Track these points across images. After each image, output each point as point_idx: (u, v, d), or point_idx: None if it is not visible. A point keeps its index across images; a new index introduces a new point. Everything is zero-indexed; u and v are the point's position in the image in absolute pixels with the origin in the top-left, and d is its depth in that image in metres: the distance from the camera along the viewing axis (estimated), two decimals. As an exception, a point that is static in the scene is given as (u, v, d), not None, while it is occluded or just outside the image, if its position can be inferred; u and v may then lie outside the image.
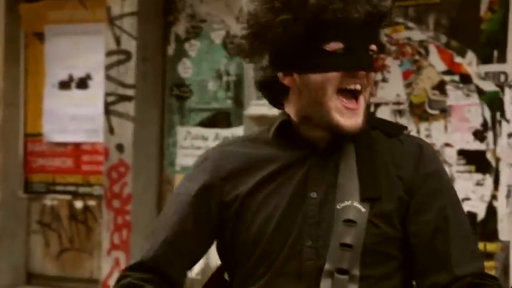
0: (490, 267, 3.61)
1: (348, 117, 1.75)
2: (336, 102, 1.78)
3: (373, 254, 1.71)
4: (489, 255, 3.67)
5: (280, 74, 1.67)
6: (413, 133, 3.77)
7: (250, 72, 3.96)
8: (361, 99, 1.73)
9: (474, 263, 1.68)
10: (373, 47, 1.55)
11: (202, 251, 2.09)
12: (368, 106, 1.76)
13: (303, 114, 1.74)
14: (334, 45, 1.65)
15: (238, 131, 4.32)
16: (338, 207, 1.75)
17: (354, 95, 1.69)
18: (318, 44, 1.67)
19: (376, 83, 3.64)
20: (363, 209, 1.62)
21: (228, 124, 4.41)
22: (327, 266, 1.64)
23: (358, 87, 1.66)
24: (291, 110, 1.72)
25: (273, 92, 1.80)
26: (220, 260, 1.79)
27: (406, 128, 1.97)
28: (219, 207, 1.92)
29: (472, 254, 1.70)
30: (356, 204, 1.71)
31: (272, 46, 1.67)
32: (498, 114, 3.96)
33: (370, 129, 1.79)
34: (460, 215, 1.86)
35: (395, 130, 1.85)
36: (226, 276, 1.95)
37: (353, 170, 1.68)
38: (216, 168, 1.93)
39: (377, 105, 4.01)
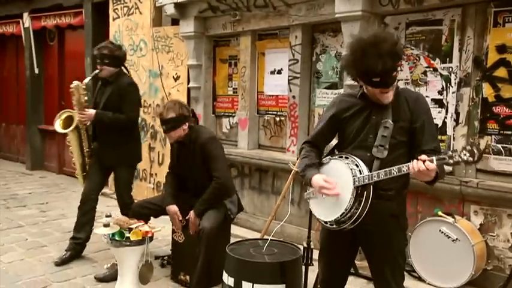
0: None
1: (384, 99, 2.35)
2: (380, 95, 2.33)
3: (395, 140, 2.35)
4: (442, 141, 3.99)
5: (359, 81, 2.41)
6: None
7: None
8: (390, 92, 2.32)
9: (433, 144, 2.32)
10: (395, 74, 2.26)
11: (332, 138, 2.62)
12: (396, 88, 2.39)
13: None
14: (376, 79, 2.26)
15: (340, 91, 4.66)
16: (382, 121, 2.36)
17: (387, 91, 2.31)
18: (370, 77, 2.27)
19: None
20: (391, 123, 2.34)
21: (336, 88, 4.80)
22: (375, 143, 2.34)
23: (387, 91, 2.30)
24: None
25: (358, 83, 2.49)
26: (338, 141, 2.59)
27: (406, 89, 2.61)
28: (339, 121, 2.50)
29: (433, 141, 2.33)
30: (389, 120, 2.35)
31: (356, 73, 2.37)
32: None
33: (399, 95, 2.40)
34: (431, 124, 2.39)
35: (408, 93, 2.44)
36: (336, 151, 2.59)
37: (390, 109, 2.36)
38: (337, 106, 2.51)
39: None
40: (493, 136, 3.89)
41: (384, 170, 2.24)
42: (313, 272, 3.72)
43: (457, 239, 3.72)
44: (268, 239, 3.28)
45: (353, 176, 2.30)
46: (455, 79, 4.01)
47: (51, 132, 8.54)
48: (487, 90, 3.88)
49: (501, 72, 3.80)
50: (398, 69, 2.29)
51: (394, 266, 2.46)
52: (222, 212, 3.81)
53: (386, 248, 2.43)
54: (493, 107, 3.87)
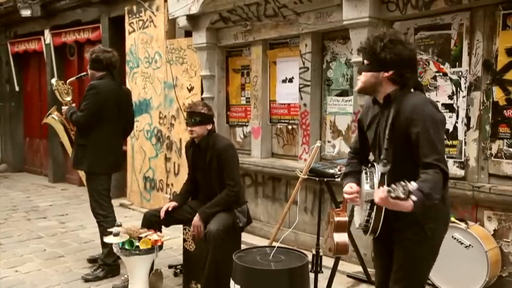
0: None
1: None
2: None
3: (397, 152, 2.28)
4: (454, 146, 4.00)
5: None
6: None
7: (355, 73, 4.47)
8: (359, 81, 2.38)
9: (433, 156, 2.16)
10: (366, 61, 2.32)
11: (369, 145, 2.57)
12: (405, 87, 2.31)
13: None
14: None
15: (350, 98, 4.76)
16: (385, 133, 2.29)
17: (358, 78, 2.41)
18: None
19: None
20: (390, 134, 2.26)
21: (347, 95, 4.83)
22: (382, 157, 2.29)
23: (358, 78, 2.41)
24: None
25: None
26: None
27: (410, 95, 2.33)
28: (362, 129, 2.54)
29: (432, 153, 2.17)
30: (388, 131, 2.27)
31: None
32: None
33: (403, 101, 2.29)
34: (430, 134, 2.19)
35: (408, 99, 2.29)
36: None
37: (390, 118, 2.29)
38: (361, 114, 2.60)
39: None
40: (505, 140, 3.84)
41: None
42: (325, 279, 3.81)
43: (470, 245, 3.68)
44: (275, 247, 3.32)
45: (365, 190, 2.32)
46: (465, 83, 4.00)
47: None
48: (498, 94, 3.85)
49: (511, 75, 3.78)
50: (369, 67, 2.32)
51: (408, 274, 2.40)
52: (230, 217, 3.82)
53: (405, 254, 2.38)
54: (504, 111, 3.83)
